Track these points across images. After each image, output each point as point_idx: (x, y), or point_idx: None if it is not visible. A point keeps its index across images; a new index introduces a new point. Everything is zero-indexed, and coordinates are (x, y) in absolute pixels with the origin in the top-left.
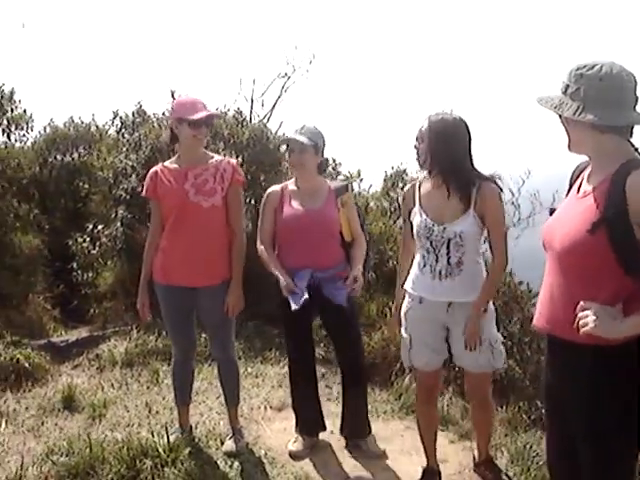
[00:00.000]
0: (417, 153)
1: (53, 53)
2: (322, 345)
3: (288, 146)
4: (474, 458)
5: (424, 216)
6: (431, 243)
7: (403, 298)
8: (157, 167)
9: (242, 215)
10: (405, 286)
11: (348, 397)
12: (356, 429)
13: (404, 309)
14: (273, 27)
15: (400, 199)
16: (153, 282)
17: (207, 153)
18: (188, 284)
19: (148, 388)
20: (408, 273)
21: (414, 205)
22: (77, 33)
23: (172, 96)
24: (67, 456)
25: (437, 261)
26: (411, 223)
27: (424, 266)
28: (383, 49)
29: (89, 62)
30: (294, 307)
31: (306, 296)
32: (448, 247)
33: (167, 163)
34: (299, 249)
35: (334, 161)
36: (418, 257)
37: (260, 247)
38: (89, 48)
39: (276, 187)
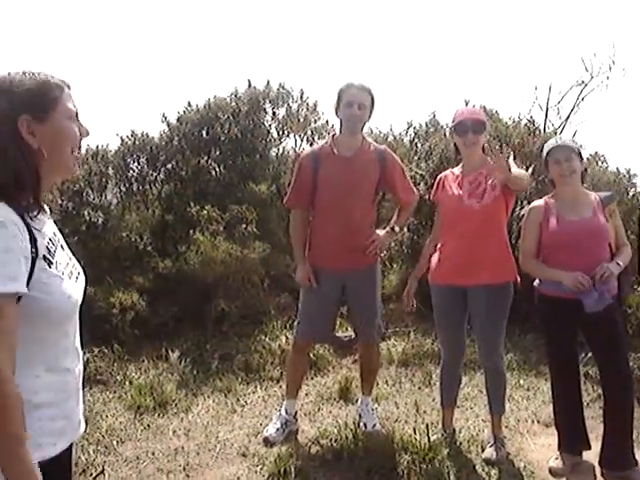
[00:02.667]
0: None
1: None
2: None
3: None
4: None
5: None
6: None
7: None
8: (445, 173)
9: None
10: None
11: (609, 419)
12: (618, 458)
13: None
14: (570, 31)
15: None
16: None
17: (487, 157)
18: (461, 283)
19: (419, 388)
20: None
21: None
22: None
23: (465, 104)
24: (335, 441)
25: None
26: None
27: None
28: None
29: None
30: (590, 309)
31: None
32: None
33: (455, 169)
34: (572, 261)
35: (628, 172)
36: None
37: (525, 260)
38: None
39: (539, 202)
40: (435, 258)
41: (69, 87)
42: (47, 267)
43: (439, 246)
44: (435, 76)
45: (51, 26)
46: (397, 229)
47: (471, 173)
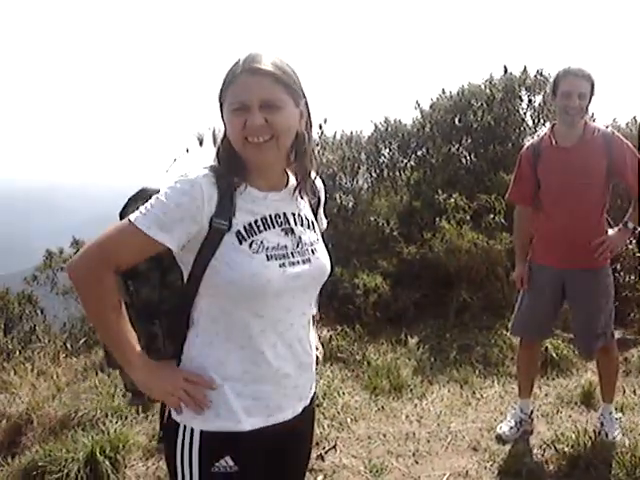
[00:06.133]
0: None
1: None
2: None
3: None
4: None
5: None
6: None
7: None
8: None
9: None
10: None
11: None
12: None
13: None
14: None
15: None
16: None
17: None
18: None
19: None
20: None
21: None
22: None
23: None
24: (572, 447)
25: None
26: None
27: None
28: None
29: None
30: None
31: None
32: None
33: None
34: None
35: None
36: None
37: None
38: None
39: None
40: None
41: (251, 69)
42: (237, 243)
43: None
44: None
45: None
46: (631, 225)
47: None
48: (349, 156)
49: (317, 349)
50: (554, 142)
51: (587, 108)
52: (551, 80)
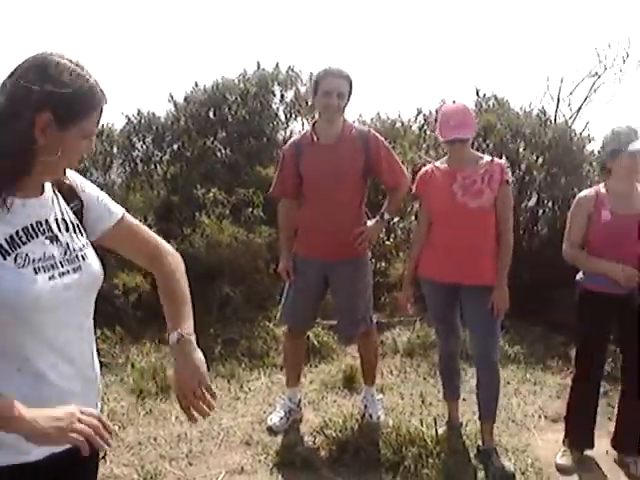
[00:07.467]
0: None
1: None
2: (610, 360)
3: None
4: None
5: None
6: None
7: None
8: (428, 166)
9: (511, 216)
10: None
11: (623, 407)
12: (625, 443)
13: None
14: (583, 23)
15: None
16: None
17: (476, 154)
18: (452, 281)
19: (425, 379)
20: None
21: None
22: None
23: (477, 94)
24: (340, 432)
25: None
26: None
27: None
28: None
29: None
30: None
31: None
32: None
33: (438, 163)
34: (620, 255)
35: None
36: None
37: (571, 250)
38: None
39: (588, 191)
40: (425, 252)
41: (106, 101)
42: (1, 259)
43: (428, 240)
44: (445, 62)
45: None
46: (387, 217)
47: (463, 168)
48: (101, 150)
49: None
50: (315, 139)
51: (347, 104)
52: (312, 80)
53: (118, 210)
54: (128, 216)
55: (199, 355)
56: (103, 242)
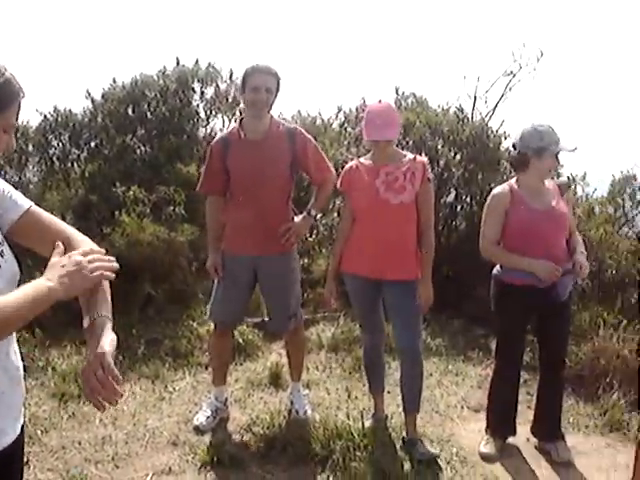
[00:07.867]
0: None
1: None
2: (529, 350)
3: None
4: None
5: None
6: None
7: None
8: (353, 162)
9: (432, 212)
10: None
11: (543, 393)
12: (546, 430)
13: None
14: (499, 23)
15: None
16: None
17: (399, 152)
18: (375, 276)
19: (350, 374)
20: None
21: None
22: None
23: (396, 92)
24: (268, 429)
25: None
26: None
27: None
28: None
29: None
30: (560, 298)
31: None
32: None
33: (362, 159)
34: (537, 249)
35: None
36: None
37: (489, 246)
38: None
39: (503, 187)
40: (348, 247)
41: (24, 95)
42: None
43: (351, 236)
44: (365, 61)
45: None
46: (314, 213)
47: (386, 165)
48: (15, 148)
49: None
50: (243, 135)
51: (274, 100)
52: (241, 76)
53: (25, 202)
54: (37, 208)
55: (110, 336)
56: (13, 236)
